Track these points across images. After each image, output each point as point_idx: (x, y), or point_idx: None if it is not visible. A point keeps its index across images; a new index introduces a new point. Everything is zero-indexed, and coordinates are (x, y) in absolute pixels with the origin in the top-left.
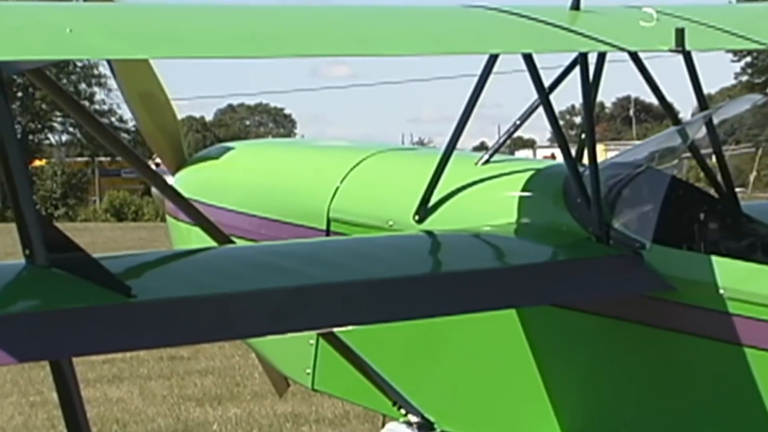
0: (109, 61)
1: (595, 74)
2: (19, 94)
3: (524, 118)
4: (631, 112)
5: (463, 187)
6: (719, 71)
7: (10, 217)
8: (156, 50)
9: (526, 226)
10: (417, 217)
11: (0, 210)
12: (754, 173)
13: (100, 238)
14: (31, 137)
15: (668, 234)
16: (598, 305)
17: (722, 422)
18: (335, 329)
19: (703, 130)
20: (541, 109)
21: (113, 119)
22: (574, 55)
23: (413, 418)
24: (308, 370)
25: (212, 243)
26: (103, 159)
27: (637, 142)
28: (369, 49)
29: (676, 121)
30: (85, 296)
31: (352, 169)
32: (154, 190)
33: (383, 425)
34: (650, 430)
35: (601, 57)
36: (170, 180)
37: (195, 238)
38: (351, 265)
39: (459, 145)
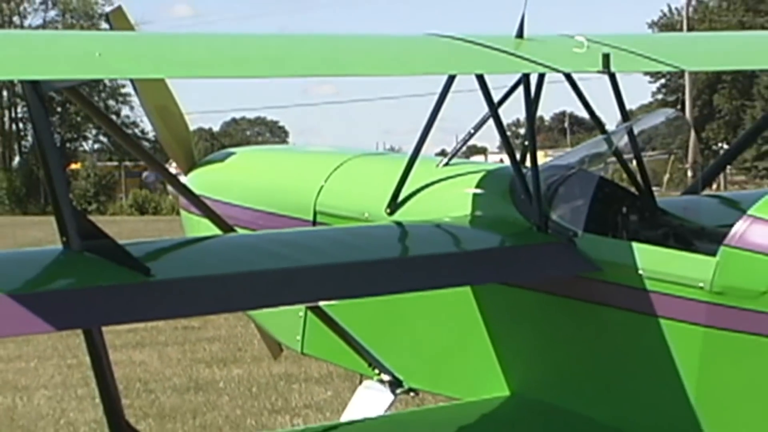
0: (132, 80)
1: (536, 92)
2: (58, 109)
3: (477, 128)
4: (566, 125)
5: (427, 185)
6: (638, 90)
7: (50, 211)
8: (170, 71)
9: (478, 217)
10: (388, 210)
11: (42, 206)
12: (668, 175)
13: (125, 229)
14: (68, 145)
15: (596, 224)
16: (539, 283)
17: (639, 379)
18: (320, 303)
19: (626, 138)
20: (491, 121)
21: (136, 130)
22: (518, 75)
23: (385, 377)
24: (298, 337)
25: (218, 232)
26: (128, 163)
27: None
28: (350, 70)
29: (603, 131)
30: (112, 276)
31: (334, 171)
32: (170, 188)
33: (360, 383)
34: (580, 386)
35: (541, 77)
36: (183, 179)
37: (204, 227)
38: (333, 251)
39: (423, 150)
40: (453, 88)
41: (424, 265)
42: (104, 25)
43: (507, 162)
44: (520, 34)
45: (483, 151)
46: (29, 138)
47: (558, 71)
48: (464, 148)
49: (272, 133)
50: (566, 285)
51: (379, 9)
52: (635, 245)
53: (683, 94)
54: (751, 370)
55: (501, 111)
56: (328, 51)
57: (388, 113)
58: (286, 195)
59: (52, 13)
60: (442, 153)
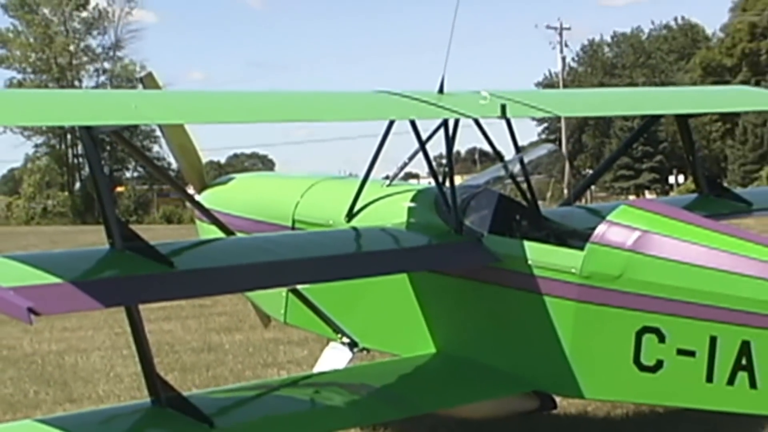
0: (159, 125)
1: (453, 132)
2: (107, 147)
3: (410, 159)
4: (476, 156)
5: (375, 200)
6: (527, 131)
7: (100, 222)
8: (188, 118)
9: (412, 223)
10: (347, 219)
11: (96, 218)
12: (549, 192)
13: (156, 234)
14: (114, 173)
15: (497, 228)
16: (457, 271)
17: (530, 339)
18: (297, 286)
19: (518, 165)
20: (421, 154)
21: (164, 162)
22: (440, 120)
23: (345, 340)
24: (282, 311)
25: (223, 235)
26: (157, 186)
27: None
28: (319, 116)
29: (502, 160)
30: (145, 267)
31: (307, 190)
32: (188, 203)
33: (328, 344)
34: (488, 344)
35: (457, 122)
36: (197, 197)
37: (212, 232)
38: (306, 247)
39: (372, 175)
40: (393, 130)
41: (373, 257)
42: (140, 85)
43: (433, 183)
44: (441, 90)
45: (416, 176)
46: (86, 168)
47: (469, 117)
48: (402, 174)
49: (263, 163)
50: (476, 272)
51: (339, 72)
52: (526, 242)
53: (560, 133)
54: (607, 330)
55: (428, 146)
56: (303, 103)
57: (347, 148)
58: (273, 208)
59: (102, 78)
60: (386, 177)
